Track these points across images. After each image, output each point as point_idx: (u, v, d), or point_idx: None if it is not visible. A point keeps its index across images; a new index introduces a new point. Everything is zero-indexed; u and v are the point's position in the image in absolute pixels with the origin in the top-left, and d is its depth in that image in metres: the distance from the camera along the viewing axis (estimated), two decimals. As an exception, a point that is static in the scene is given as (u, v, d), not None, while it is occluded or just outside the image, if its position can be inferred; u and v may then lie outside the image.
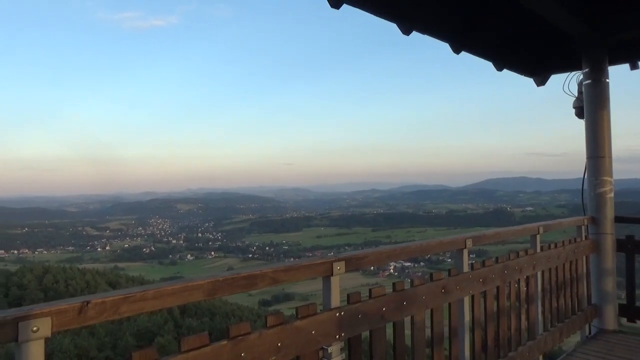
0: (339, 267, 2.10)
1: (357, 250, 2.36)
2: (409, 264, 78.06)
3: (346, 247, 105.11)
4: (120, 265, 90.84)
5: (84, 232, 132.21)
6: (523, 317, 3.56)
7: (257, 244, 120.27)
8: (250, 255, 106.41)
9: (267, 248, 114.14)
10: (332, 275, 2.08)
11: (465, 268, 2.97)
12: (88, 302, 1.33)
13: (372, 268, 73.37)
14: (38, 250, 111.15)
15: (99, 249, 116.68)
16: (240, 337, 1.67)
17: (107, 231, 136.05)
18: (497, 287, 3.25)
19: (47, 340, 1.26)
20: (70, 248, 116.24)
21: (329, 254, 2.25)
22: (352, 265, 2.19)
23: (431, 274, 2.68)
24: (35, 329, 1.23)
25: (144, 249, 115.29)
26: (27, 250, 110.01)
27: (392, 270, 77.36)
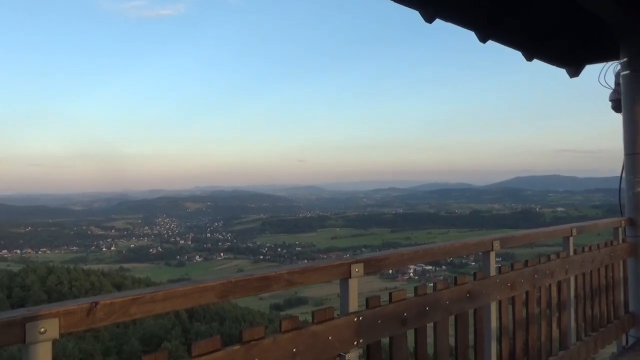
0: (357, 269, 2.10)
1: (377, 252, 2.36)
2: (430, 267, 77.60)
3: (363, 249, 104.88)
4: (125, 266, 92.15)
5: (89, 232, 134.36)
6: (554, 325, 3.52)
7: (268, 245, 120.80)
8: (262, 257, 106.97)
9: (279, 249, 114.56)
10: (350, 277, 2.08)
11: (493, 272, 2.94)
12: (97, 303, 1.35)
13: (390, 272, 73.04)
14: (41, 250, 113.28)
15: (104, 249, 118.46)
16: (253, 342, 1.68)
17: (113, 230, 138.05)
18: (527, 293, 3.22)
19: (54, 342, 1.29)
20: (74, 248, 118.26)
21: (345, 256, 2.25)
22: (372, 267, 2.19)
23: (455, 278, 2.66)
24: (42, 330, 1.24)
25: (151, 250, 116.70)
26: (30, 250, 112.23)
27: (411, 274, 77.05)
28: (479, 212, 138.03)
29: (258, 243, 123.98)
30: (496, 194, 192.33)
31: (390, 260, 2.33)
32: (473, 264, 68.43)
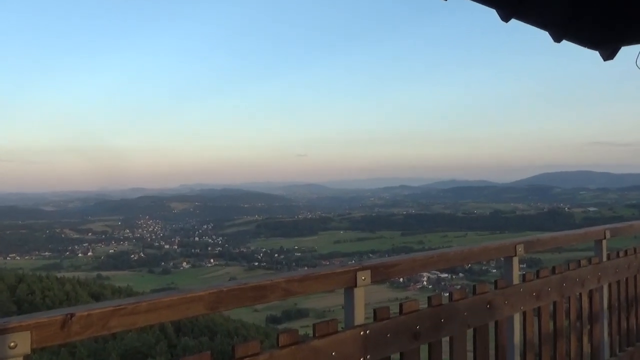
0: (364, 277, 2.11)
1: (386, 258, 2.37)
2: (446, 275, 77.63)
3: (370, 255, 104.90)
4: (104, 274, 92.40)
5: (63, 235, 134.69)
6: (585, 339, 3.52)
7: (264, 249, 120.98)
8: (257, 264, 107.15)
9: (276, 255, 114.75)
10: (355, 286, 2.08)
11: (516, 280, 2.95)
12: (72, 315, 1.36)
13: (401, 280, 73.17)
14: (10, 255, 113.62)
15: (79, 255, 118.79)
16: (247, 359, 1.68)
17: (89, 234, 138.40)
18: (554, 303, 3.22)
19: (26, 358, 1.29)
20: (46, 253, 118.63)
21: (351, 262, 2.26)
22: (380, 274, 2.20)
23: (474, 286, 2.67)
24: (12, 344, 1.24)
25: (132, 255, 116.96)
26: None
27: (425, 283, 77.12)
28: (501, 213, 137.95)
29: (252, 248, 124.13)
30: (520, 192, 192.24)
31: (400, 267, 2.33)
32: (494, 271, 68.43)
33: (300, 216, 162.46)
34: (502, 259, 2.98)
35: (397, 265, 2.31)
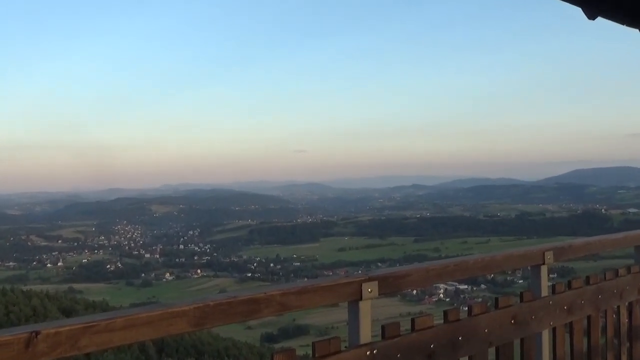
0: (370, 288, 2.11)
1: (396, 267, 2.37)
2: (465, 286, 77.74)
3: (379, 264, 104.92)
4: (76, 286, 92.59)
5: (29, 243, 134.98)
6: (624, 358, 3.52)
7: (258, 259, 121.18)
8: (250, 275, 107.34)
9: (271, 265, 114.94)
10: (360, 299, 2.09)
11: (544, 291, 2.95)
12: (37, 333, 1.36)
13: (414, 292, 73.27)
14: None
15: (48, 265, 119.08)
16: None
17: (59, 241, 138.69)
18: (588, 318, 3.22)
19: None
20: (11, 263, 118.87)
21: (358, 272, 2.26)
22: (389, 286, 2.20)
23: (496, 299, 2.67)
24: None
25: (108, 266, 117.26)
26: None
27: (441, 295, 77.18)
28: (528, 216, 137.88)
29: (245, 257, 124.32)
30: (550, 191, 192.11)
31: (412, 278, 2.34)
32: (521, 282, 68.47)
33: (299, 220, 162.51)
34: (529, 267, 2.98)
35: (409, 276, 2.31)
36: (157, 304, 1.69)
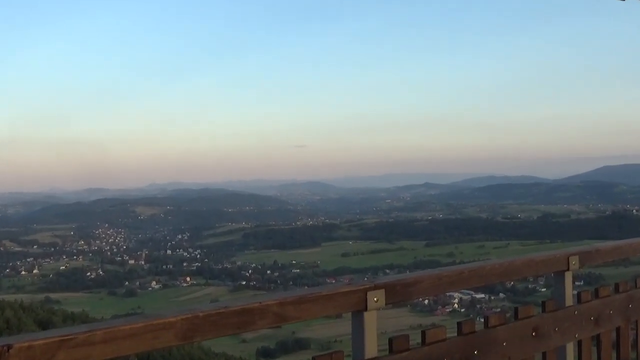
0: (376, 297, 2.10)
1: (405, 274, 2.37)
2: (482, 295, 77.79)
3: (386, 271, 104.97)
4: (53, 296, 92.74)
5: (1, 248, 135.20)
6: (657, 374, 3.52)
7: (253, 265, 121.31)
8: (244, 283, 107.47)
9: (268, 272, 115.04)
10: (365, 309, 2.08)
11: (569, 300, 2.94)
12: (10, 347, 1.36)
13: (425, 302, 73.33)
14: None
15: (23, 273, 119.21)
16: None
17: (35, 246, 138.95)
18: (617, 329, 3.21)
19: None
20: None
21: (364, 279, 2.25)
22: (397, 295, 2.20)
23: (516, 309, 2.67)
24: None
25: (88, 273, 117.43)
26: None
27: (456, 305, 77.25)
28: (552, 217, 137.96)
29: (239, 263, 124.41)
30: (576, 190, 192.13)
31: (423, 285, 2.33)
32: (543, 290, 68.50)
33: (298, 223, 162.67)
34: (552, 274, 2.97)
35: (419, 283, 2.31)
36: (141, 315, 1.69)
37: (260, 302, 1.85)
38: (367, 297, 2.10)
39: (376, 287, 2.13)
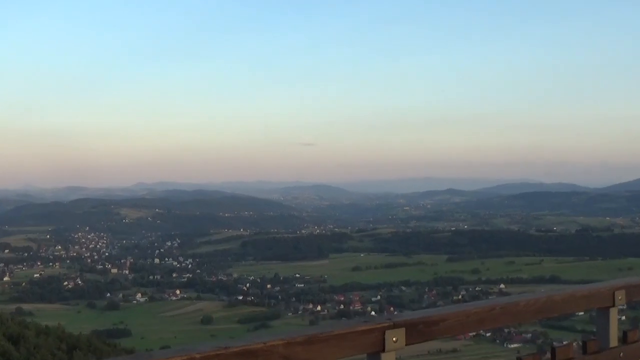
0: (395, 338, 2.10)
1: (427, 310, 2.35)
2: (511, 318, 77.38)
3: (403, 288, 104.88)
4: (26, 307, 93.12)
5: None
6: None
7: (251, 278, 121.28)
8: (241, 298, 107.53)
9: (268, 286, 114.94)
10: (383, 351, 2.08)
11: (614, 340, 2.92)
12: None
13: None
14: None
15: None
16: None
17: (6, 250, 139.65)
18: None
19: None
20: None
21: (383, 316, 2.25)
22: (419, 335, 2.19)
23: (553, 349, 2.65)
24: None
25: (66, 282, 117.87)
26: None
27: (481, 330, 77.05)
28: (592, 231, 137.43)
29: (235, 275, 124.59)
30: (620, 201, 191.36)
31: (448, 324, 2.33)
32: (581, 314, 68.12)
33: (303, 231, 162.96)
34: (595, 310, 2.95)
35: (444, 321, 2.30)
36: (130, 357, 1.69)
37: (264, 343, 1.84)
38: (386, 337, 2.10)
39: (396, 326, 2.13)
